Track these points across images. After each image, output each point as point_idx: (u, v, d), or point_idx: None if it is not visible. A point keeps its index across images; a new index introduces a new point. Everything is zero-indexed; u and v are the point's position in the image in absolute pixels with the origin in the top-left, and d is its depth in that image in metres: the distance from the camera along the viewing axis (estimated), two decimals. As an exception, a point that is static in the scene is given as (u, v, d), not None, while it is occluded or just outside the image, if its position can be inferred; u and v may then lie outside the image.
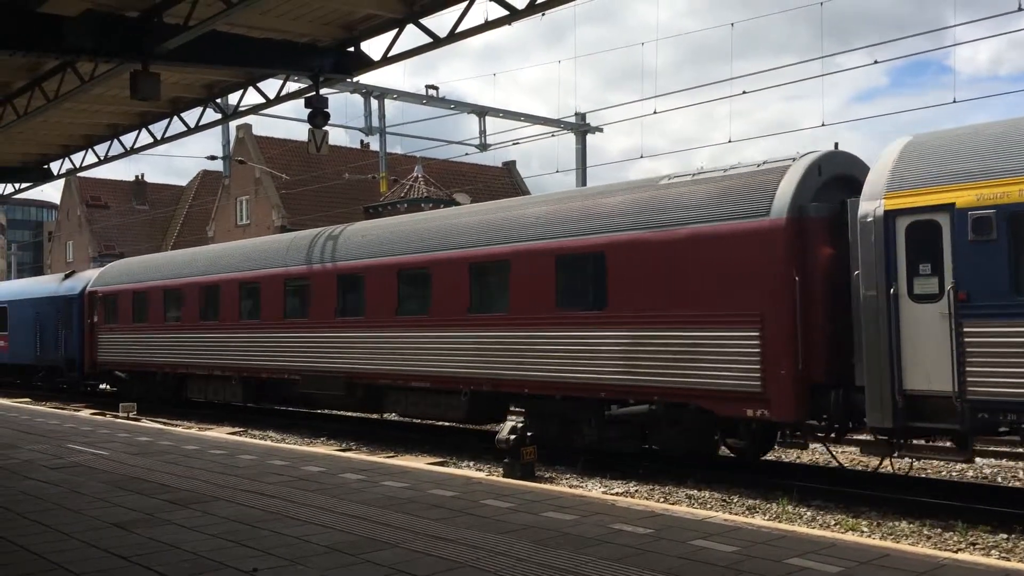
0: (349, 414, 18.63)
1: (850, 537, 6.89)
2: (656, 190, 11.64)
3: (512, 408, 11.74)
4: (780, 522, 8.43)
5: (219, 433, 15.19)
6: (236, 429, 17.12)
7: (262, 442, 13.70)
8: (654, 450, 13.73)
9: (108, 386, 25.45)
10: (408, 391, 14.57)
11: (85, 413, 18.70)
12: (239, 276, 18.31)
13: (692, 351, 10.67)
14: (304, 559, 5.86)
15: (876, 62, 31.06)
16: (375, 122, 27.66)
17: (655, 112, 34.73)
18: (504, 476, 10.75)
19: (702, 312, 10.56)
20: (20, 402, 21.71)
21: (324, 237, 16.89)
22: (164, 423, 17.25)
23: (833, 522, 9.09)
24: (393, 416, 17.15)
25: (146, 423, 16.59)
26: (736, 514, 9.01)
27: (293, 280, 16.95)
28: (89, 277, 25.28)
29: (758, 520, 7.91)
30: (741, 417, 10.38)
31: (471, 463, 13.15)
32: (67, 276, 27.15)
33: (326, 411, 19.51)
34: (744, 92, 20.93)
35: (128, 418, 17.63)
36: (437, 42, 11.66)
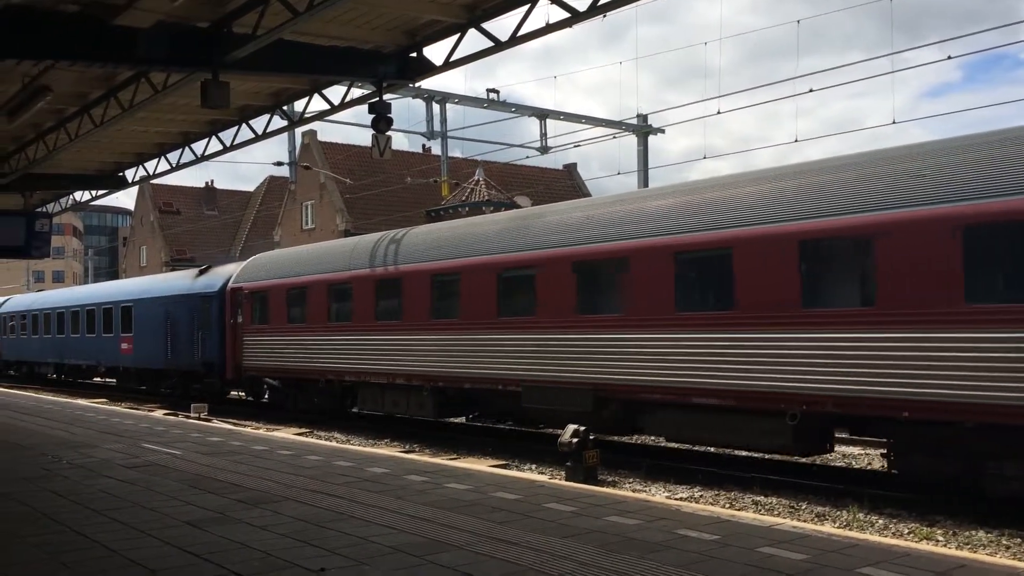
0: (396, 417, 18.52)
1: (924, 546, 6.69)
2: None
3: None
4: (851, 530, 8.23)
5: (286, 434, 15.48)
6: (303, 430, 17.43)
7: (328, 443, 13.92)
8: (713, 454, 13.54)
9: (243, 394, 22.94)
10: (685, 409, 11.36)
11: (158, 413, 19.24)
12: (431, 267, 15.38)
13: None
14: (370, 559, 5.93)
15: (950, 57, 30.09)
16: (437, 126, 27.86)
17: (719, 112, 34.19)
18: (566, 479, 10.73)
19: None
20: (97, 402, 22.42)
21: (552, 214, 14.02)
22: (234, 424, 17.64)
23: (907, 531, 8.84)
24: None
25: (217, 423, 16.99)
26: (805, 521, 8.82)
27: (511, 270, 13.85)
28: (229, 272, 22.60)
29: (828, 527, 7.74)
30: None
31: (533, 466, 13.15)
32: (202, 271, 24.37)
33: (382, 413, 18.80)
34: (811, 90, 20.46)
35: (199, 418, 18.08)
36: (499, 46, 11.70)
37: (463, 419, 17.49)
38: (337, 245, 19.41)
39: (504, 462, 13.05)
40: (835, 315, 9.91)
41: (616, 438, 14.39)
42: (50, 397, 23.57)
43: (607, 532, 6.65)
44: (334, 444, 13.72)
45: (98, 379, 33.00)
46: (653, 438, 14.57)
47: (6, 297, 44.63)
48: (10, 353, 38.59)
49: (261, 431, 15.64)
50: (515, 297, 13.91)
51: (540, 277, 13.39)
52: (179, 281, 25.20)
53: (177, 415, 18.85)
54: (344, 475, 9.42)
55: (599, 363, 12.33)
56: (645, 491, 11.08)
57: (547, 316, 13.22)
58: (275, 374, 19.71)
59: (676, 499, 10.00)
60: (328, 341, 17.81)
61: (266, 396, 21.38)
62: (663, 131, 31.10)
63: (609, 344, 12.26)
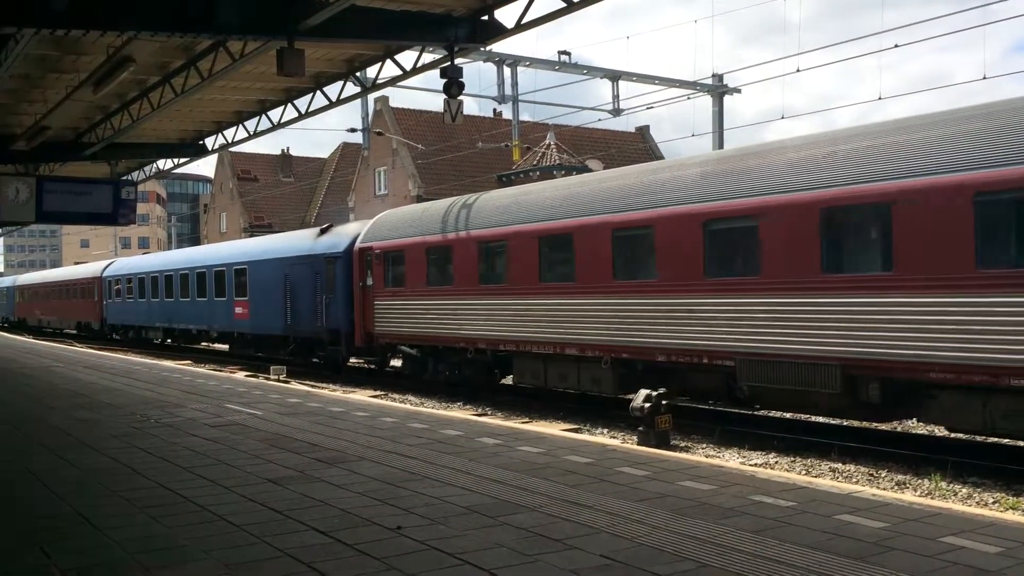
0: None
1: (1011, 516, 6.48)
2: None
3: None
4: (932, 499, 8.03)
5: (362, 396, 15.81)
6: (378, 392, 17.78)
7: (402, 405, 14.17)
8: (789, 420, 13.30)
9: (367, 363, 21.45)
10: (992, 394, 9.02)
11: (240, 375, 19.85)
12: (613, 220, 13.20)
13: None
14: (444, 519, 6.04)
15: (1046, 7, 28.42)
16: (508, 90, 27.73)
17: (798, 70, 33.15)
18: (638, 444, 10.72)
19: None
20: (183, 364, 23.23)
21: (790, 150, 11.38)
22: (311, 386, 18.09)
23: (991, 500, 8.60)
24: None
25: (295, 385, 17.45)
26: (884, 489, 8.64)
27: (723, 221, 11.58)
28: (354, 231, 20.91)
29: (908, 496, 7.56)
30: None
31: (605, 430, 13.17)
32: (323, 231, 22.66)
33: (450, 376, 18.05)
34: (896, 45, 19.55)
35: (279, 380, 18.59)
36: (571, 6, 11.54)
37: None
38: (490, 198, 17.13)
39: (576, 426, 13.09)
40: None
41: (689, 404, 14.24)
42: (138, 359, 24.51)
43: (680, 497, 6.63)
44: (408, 407, 13.96)
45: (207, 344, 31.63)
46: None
47: (109, 260, 44.09)
48: (115, 317, 37.55)
49: (338, 393, 16.01)
50: (729, 254, 11.70)
51: (766, 228, 10.96)
52: (299, 241, 23.48)
53: (257, 377, 19.42)
54: (418, 437, 9.59)
55: (850, 333, 10.05)
56: (718, 457, 11.00)
57: (776, 276, 10.91)
58: (413, 341, 17.93)
59: (751, 465, 9.90)
60: (479, 305, 15.89)
61: (391, 365, 20.29)
62: (739, 91, 30.39)
63: (870, 310, 9.86)
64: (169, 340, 33.09)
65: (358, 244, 19.77)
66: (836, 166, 10.43)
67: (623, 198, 13.29)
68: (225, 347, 29.17)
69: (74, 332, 43.96)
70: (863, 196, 9.99)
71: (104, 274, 39.12)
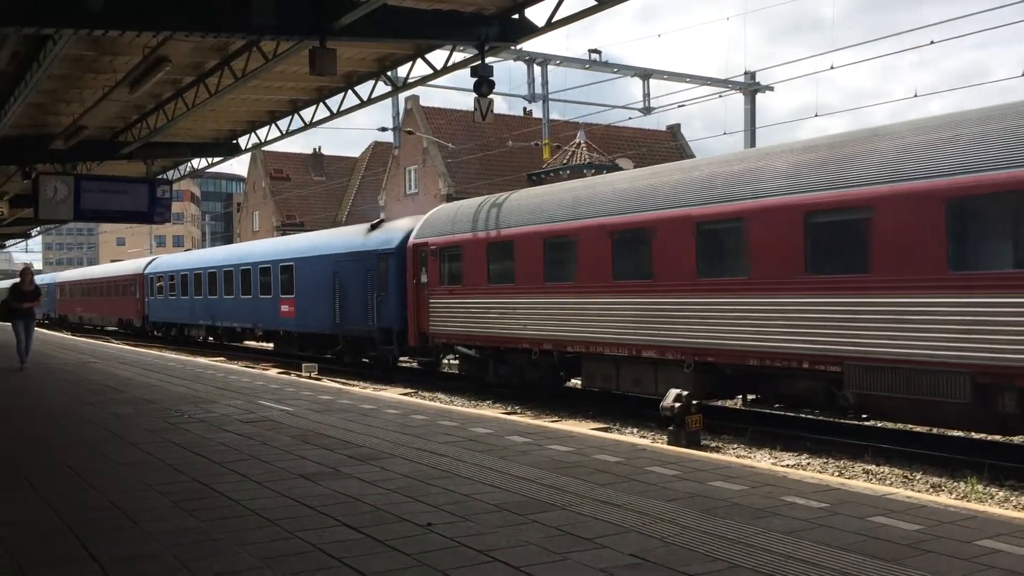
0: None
1: (1049, 521, 6.36)
2: None
3: None
4: (968, 501, 7.92)
5: (393, 393, 15.90)
6: (408, 390, 17.86)
7: (432, 403, 14.23)
8: (822, 421, 13.12)
9: (418, 363, 20.71)
10: None
11: (272, 372, 20.04)
12: (697, 213, 12.45)
13: None
14: (474, 516, 6.06)
15: (1088, 2, 27.84)
16: (538, 89, 27.73)
17: (832, 67, 32.77)
18: (668, 444, 10.68)
19: None
20: (216, 360, 23.50)
21: (908, 135, 10.52)
22: (343, 383, 18.23)
23: (1029, 504, 8.45)
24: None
25: (327, 382, 17.59)
26: (919, 491, 8.54)
27: (825, 213, 10.75)
28: (407, 226, 20.26)
29: (943, 499, 7.46)
30: None
31: (634, 430, 13.13)
32: (374, 226, 22.09)
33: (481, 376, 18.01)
34: (932, 42, 19.21)
35: (310, 378, 18.75)
36: (602, 4, 11.52)
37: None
38: (555, 190, 16.39)
39: (605, 425, 13.07)
40: None
41: (720, 403, 14.15)
42: (173, 355, 24.84)
43: (710, 497, 6.59)
44: (439, 404, 14.02)
45: (252, 343, 31.08)
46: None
47: (152, 257, 43.72)
48: (157, 315, 37.14)
49: (369, 391, 16.11)
50: (835, 249, 10.88)
51: (879, 220, 10.14)
52: (348, 237, 22.89)
53: (290, 374, 19.60)
54: (449, 434, 9.63)
55: (985, 337, 9.16)
56: (749, 457, 10.93)
57: (888, 273, 10.06)
58: (471, 342, 17.22)
59: (782, 466, 9.82)
60: (545, 304, 15.15)
61: (444, 365, 19.54)
62: (772, 88, 30.13)
63: (1007, 311, 9.00)
64: (211, 338, 32.70)
65: (412, 240, 19.07)
66: (961, 152, 9.57)
67: (709, 189, 12.46)
68: (270, 346, 28.80)
69: (114, 329, 44.29)
70: (999, 184, 9.08)
71: (146, 271, 38.74)
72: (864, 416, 11.45)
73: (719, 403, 14.11)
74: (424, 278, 18.37)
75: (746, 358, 11.78)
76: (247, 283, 27.87)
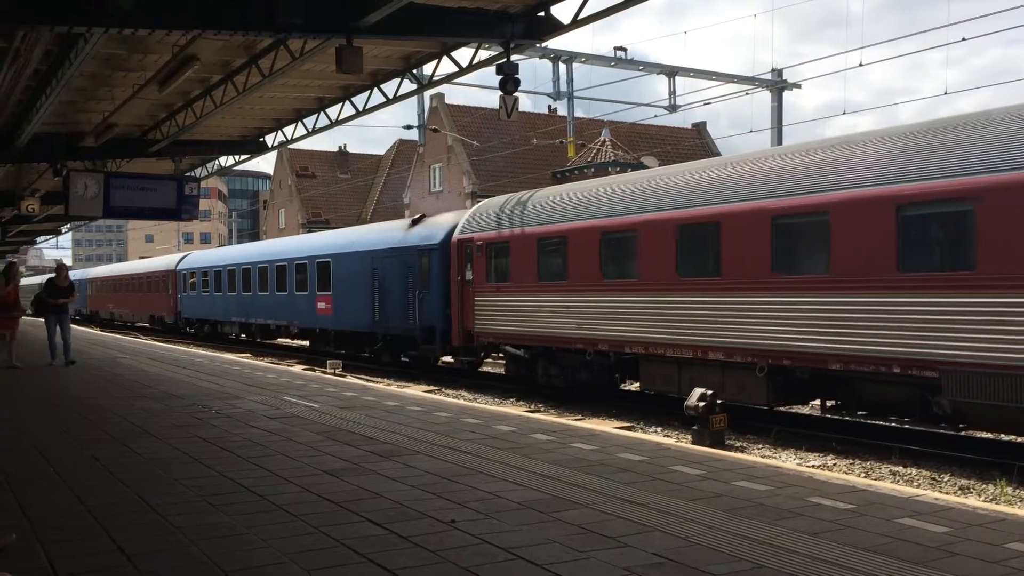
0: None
1: (1081, 525, 6.26)
2: None
3: None
4: (997, 504, 7.81)
5: (416, 391, 15.95)
6: (431, 388, 17.91)
7: (456, 401, 14.26)
8: (848, 422, 12.91)
9: (460, 363, 20.00)
10: None
11: (297, 368, 20.18)
12: (769, 206, 11.71)
13: None
14: (498, 513, 6.07)
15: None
16: (563, 87, 27.68)
17: (860, 64, 32.43)
18: (693, 443, 10.63)
19: None
20: (242, 357, 23.70)
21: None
22: (367, 380, 18.31)
23: (1060, 508, 8.31)
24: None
25: (351, 379, 17.68)
26: (947, 493, 8.43)
27: (922, 206, 10.04)
28: (450, 222, 19.63)
29: (972, 501, 7.37)
30: None
31: (658, 429, 13.08)
32: (415, 221, 21.50)
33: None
34: (963, 39, 18.96)
35: (335, 374, 18.85)
36: (627, 2, 11.47)
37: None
38: (614, 182, 15.58)
39: (629, 424, 13.04)
40: None
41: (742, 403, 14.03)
42: (200, 351, 25.07)
43: (735, 497, 6.55)
44: (462, 402, 14.05)
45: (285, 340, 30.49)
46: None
47: (184, 253, 43.74)
48: (190, 311, 36.72)
49: (392, 387, 16.18)
50: (932, 245, 10.19)
51: (986, 212, 9.19)
52: (388, 233, 22.24)
53: (314, 370, 19.72)
54: (472, 432, 9.64)
55: None
56: (775, 457, 10.85)
57: (1004, 272, 9.14)
58: (519, 341, 16.45)
59: (808, 466, 9.75)
60: (601, 303, 14.40)
61: (495, 364, 18.84)
62: (799, 86, 29.91)
63: None
64: (244, 335, 32.19)
65: (456, 235, 18.37)
66: None
67: (785, 181, 11.71)
68: (305, 343, 28.25)
69: (144, 325, 44.65)
70: None
71: (179, 267, 38.38)
72: (960, 426, 10.44)
73: (792, 409, 13.41)
74: (469, 275, 17.76)
75: (827, 361, 11.00)
76: (282, 279, 27.23)
